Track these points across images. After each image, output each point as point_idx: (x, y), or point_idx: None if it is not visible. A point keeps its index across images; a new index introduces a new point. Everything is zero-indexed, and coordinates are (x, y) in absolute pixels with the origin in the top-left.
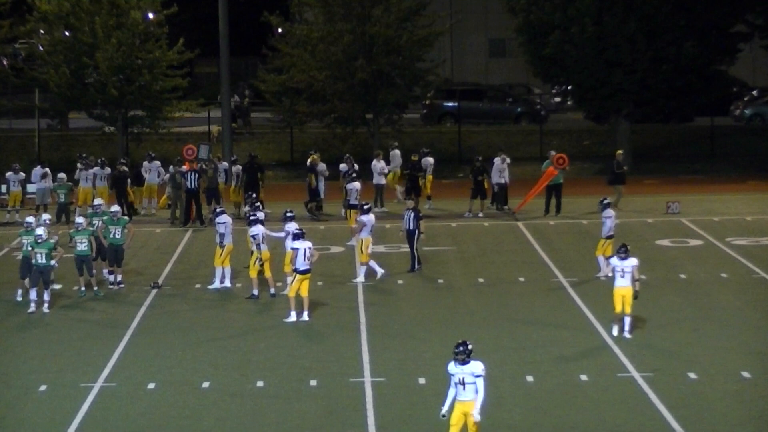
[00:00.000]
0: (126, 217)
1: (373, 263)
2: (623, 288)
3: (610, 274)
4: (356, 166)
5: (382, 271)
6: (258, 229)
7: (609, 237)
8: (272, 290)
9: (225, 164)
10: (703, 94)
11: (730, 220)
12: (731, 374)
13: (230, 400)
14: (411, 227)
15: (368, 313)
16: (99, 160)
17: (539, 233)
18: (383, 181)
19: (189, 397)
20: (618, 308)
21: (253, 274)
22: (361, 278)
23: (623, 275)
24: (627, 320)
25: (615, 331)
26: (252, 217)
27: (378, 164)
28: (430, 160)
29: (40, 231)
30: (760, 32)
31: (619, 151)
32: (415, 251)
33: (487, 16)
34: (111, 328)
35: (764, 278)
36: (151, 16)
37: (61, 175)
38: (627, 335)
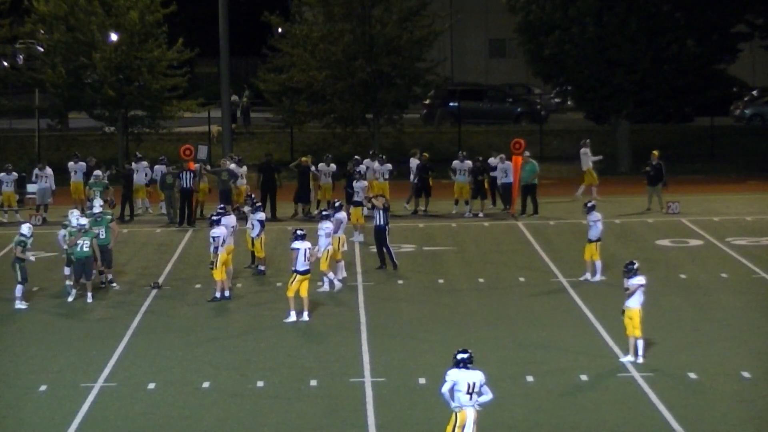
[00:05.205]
0: (108, 216)
1: (330, 275)
2: (630, 309)
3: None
4: (390, 166)
5: (339, 285)
6: (220, 231)
7: (597, 240)
8: (226, 293)
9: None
10: (703, 94)
11: (730, 220)
12: (731, 374)
13: (230, 400)
14: (380, 223)
15: (368, 313)
16: (93, 161)
17: (539, 233)
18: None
19: (189, 397)
20: (628, 330)
21: (218, 276)
22: (326, 287)
23: (630, 295)
24: (640, 343)
25: (630, 356)
26: (214, 218)
27: (415, 162)
28: (468, 163)
29: (24, 229)
30: (760, 32)
31: (654, 152)
32: (388, 249)
33: (487, 16)
34: (111, 328)
35: (764, 278)
36: None
37: (97, 173)
38: (639, 360)
